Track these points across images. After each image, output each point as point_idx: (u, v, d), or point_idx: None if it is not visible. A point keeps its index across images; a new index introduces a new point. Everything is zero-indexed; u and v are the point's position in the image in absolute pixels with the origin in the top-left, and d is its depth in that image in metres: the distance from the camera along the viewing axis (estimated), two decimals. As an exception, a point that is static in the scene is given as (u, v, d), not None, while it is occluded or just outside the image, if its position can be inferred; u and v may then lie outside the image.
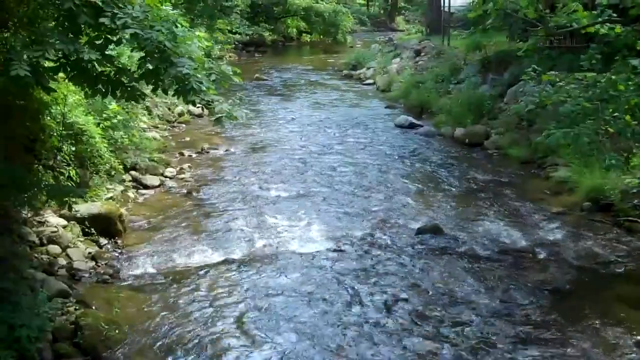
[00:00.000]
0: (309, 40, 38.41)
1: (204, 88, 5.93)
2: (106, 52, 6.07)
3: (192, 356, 6.11)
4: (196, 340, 6.34)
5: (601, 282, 7.69)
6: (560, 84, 8.01)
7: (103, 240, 8.48)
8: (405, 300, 7.19)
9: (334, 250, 8.48)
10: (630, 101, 7.25)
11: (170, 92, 6.19)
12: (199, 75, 5.93)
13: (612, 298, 7.24)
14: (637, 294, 7.30)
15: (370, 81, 22.76)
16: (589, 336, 6.44)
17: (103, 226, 8.54)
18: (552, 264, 8.13)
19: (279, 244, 8.68)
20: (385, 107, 18.47)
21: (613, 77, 7.48)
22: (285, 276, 7.76)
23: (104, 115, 10.51)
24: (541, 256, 8.35)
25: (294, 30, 38.09)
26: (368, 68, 24.21)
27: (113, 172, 10.25)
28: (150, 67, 5.98)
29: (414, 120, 16.05)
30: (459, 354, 6.17)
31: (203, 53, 6.53)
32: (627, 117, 7.24)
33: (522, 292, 7.39)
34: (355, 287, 7.50)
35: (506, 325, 6.65)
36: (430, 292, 7.38)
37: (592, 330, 6.55)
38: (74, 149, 9.17)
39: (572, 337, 6.43)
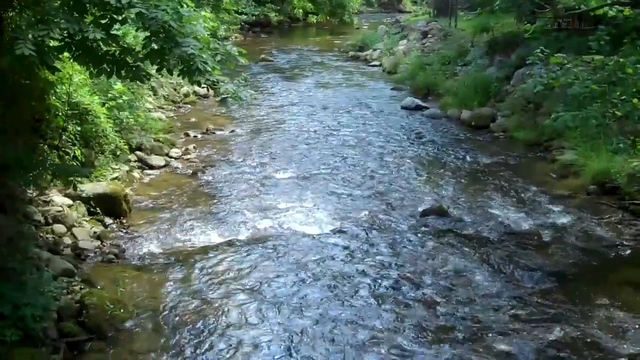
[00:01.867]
0: (315, 21, 38.06)
1: (209, 68, 5.92)
2: (111, 32, 6.04)
3: (197, 335, 6.14)
4: (201, 320, 6.37)
5: (606, 265, 7.69)
6: (568, 66, 7.94)
7: (108, 220, 8.51)
8: (409, 281, 7.21)
9: (338, 232, 8.49)
10: (638, 84, 7.20)
11: (176, 73, 6.18)
12: (204, 56, 5.91)
13: (617, 281, 7.24)
14: (642, 278, 7.30)
15: (377, 63, 22.63)
16: (594, 318, 6.45)
17: (108, 206, 8.57)
18: (557, 246, 8.12)
19: (283, 225, 8.69)
20: (392, 89, 18.38)
21: (621, 59, 7.43)
22: (289, 257, 7.78)
23: (109, 95, 10.50)
24: (546, 239, 8.34)
25: (300, 11, 37.75)
26: (374, 50, 24.04)
27: (118, 152, 10.26)
28: (155, 47, 5.97)
29: (420, 102, 15.98)
30: (463, 335, 6.19)
31: (208, 33, 6.52)
32: (635, 100, 7.20)
33: (526, 274, 7.39)
34: (359, 268, 7.51)
35: (510, 307, 6.66)
36: (434, 274, 7.39)
37: (597, 313, 6.55)
38: (79, 128, 9.19)
39: (576, 319, 6.44)
